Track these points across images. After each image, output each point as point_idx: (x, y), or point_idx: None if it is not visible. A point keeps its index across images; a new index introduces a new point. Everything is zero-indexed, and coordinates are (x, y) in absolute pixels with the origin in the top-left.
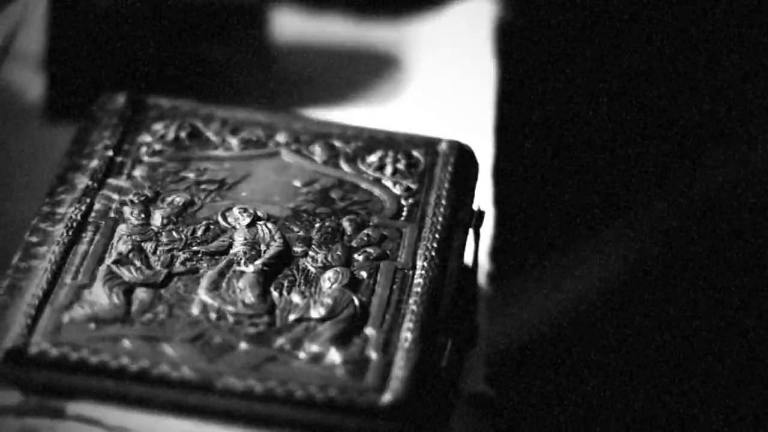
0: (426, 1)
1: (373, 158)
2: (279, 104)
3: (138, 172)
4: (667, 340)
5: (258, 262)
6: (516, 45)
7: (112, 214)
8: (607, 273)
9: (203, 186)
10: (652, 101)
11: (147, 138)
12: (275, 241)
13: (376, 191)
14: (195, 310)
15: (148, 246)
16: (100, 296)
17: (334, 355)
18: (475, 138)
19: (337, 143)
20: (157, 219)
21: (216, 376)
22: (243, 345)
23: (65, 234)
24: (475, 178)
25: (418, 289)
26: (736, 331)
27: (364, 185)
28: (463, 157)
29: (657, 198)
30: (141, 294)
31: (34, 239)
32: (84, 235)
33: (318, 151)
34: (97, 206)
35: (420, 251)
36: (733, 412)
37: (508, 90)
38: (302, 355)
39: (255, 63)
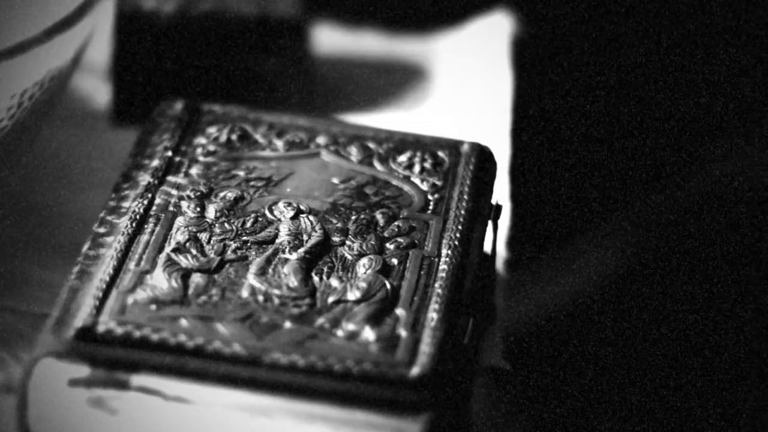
0: (449, 17)
1: (403, 158)
2: (319, 110)
3: (194, 171)
4: (669, 321)
5: (301, 250)
6: (530, 56)
7: (171, 208)
8: (608, 260)
9: (252, 183)
10: (653, 98)
11: (202, 140)
12: (316, 231)
13: (406, 187)
14: (245, 293)
15: (203, 236)
16: (161, 281)
17: (369, 333)
18: (493, 140)
19: (371, 145)
20: (211, 212)
21: (263, 351)
22: (287, 324)
23: (129, 225)
24: (494, 176)
25: (443, 275)
26: (734, 324)
27: (395, 182)
28: (483, 157)
29: (656, 192)
30: (197, 279)
31: (101, 230)
32: (146, 226)
33: (354, 151)
34: (157, 201)
35: (445, 241)
36: (729, 404)
37: (523, 97)
38: (340, 333)
39: (298, 73)
